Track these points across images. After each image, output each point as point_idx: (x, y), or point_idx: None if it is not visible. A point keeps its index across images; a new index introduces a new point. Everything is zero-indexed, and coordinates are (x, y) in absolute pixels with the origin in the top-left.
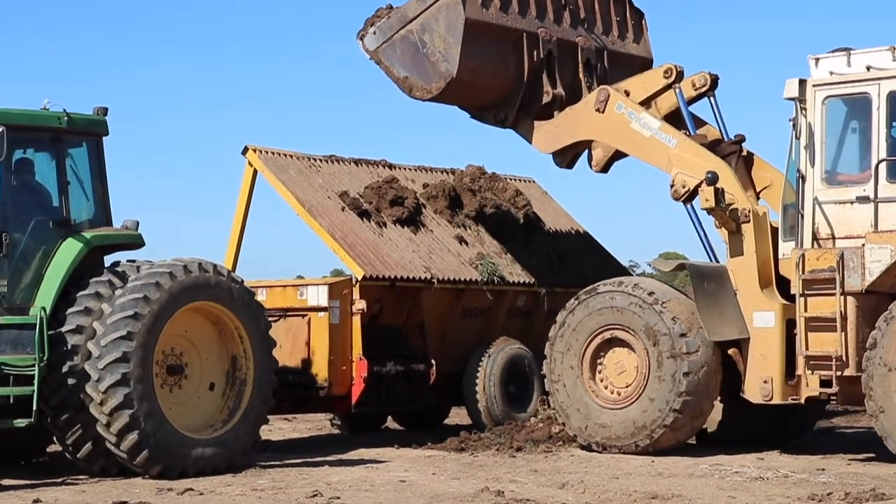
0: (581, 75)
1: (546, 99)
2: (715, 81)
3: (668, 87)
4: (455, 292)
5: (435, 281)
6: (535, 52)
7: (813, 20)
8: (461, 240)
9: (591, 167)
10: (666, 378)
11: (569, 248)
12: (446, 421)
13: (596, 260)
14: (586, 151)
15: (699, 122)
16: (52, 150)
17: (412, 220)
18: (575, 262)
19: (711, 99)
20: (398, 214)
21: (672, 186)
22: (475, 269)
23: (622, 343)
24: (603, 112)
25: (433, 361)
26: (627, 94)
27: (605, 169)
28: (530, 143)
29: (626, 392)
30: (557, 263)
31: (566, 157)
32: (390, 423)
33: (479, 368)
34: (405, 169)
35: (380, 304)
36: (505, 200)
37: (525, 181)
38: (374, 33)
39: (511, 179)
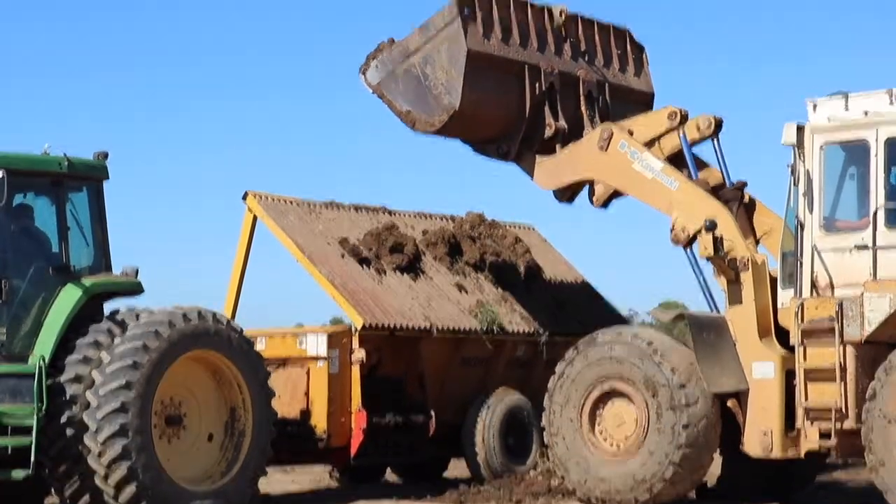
0: (583, 108)
1: (549, 132)
2: (719, 125)
3: (671, 129)
4: (454, 341)
5: (434, 330)
6: (537, 85)
7: (814, 62)
8: (461, 287)
9: (591, 202)
10: (665, 430)
11: (568, 296)
12: (445, 473)
13: (595, 308)
14: (587, 186)
15: (702, 165)
16: (53, 195)
17: (412, 268)
18: (574, 310)
19: (715, 142)
20: (398, 261)
21: (672, 230)
22: (475, 318)
23: (621, 394)
24: (606, 151)
25: (432, 412)
26: (631, 133)
27: (605, 205)
28: (532, 178)
29: (625, 445)
30: (557, 312)
31: (567, 192)
32: (389, 474)
33: (479, 420)
34: (405, 215)
35: (379, 353)
36: (505, 248)
37: (525, 228)
38: (377, 67)
39: (511, 226)
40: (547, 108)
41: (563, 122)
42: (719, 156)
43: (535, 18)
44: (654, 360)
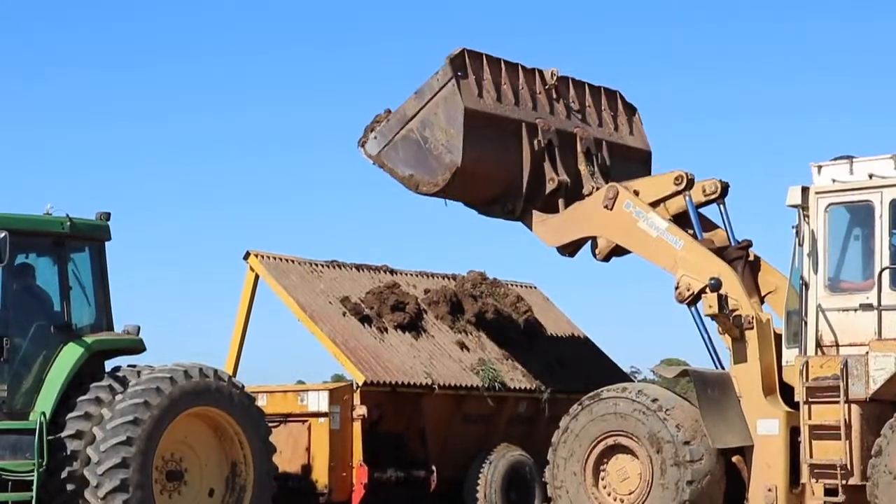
0: (582, 165)
1: (551, 186)
2: (725, 189)
3: (677, 193)
4: (456, 398)
5: (436, 387)
6: (535, 142)
7: (817, 127)
8: (462, 345)
9: (594, 256)
10: (669, 486)
11: (570, 354)
12: None
13: (597, 366)
14: (589, 241)
15: (708, 226)
16: (55, 255)
17: (413, 326)
18: (576, 368)
19: (721, 207)
20: (399, 320)
21: (677, 289)
22: (476, 375)
23: (625, 450)
24: (611, 210)
25: (434, 468)
26: (637, 193)
27: (607, 258)
28: (537, 235)
29: (629, 500)
30: (559, 369)
31: (569, 247)
32: None
33: (481, 475)
34: (406, 274)
35: (380, 409)
36: (506, 306)
37: (526, 287)
38: (375, 138)
39: (512, 285)
40: (547, 164)
41: (564, 176)
42: (725, 219)
43: (527, 80)
44: (658, 417)
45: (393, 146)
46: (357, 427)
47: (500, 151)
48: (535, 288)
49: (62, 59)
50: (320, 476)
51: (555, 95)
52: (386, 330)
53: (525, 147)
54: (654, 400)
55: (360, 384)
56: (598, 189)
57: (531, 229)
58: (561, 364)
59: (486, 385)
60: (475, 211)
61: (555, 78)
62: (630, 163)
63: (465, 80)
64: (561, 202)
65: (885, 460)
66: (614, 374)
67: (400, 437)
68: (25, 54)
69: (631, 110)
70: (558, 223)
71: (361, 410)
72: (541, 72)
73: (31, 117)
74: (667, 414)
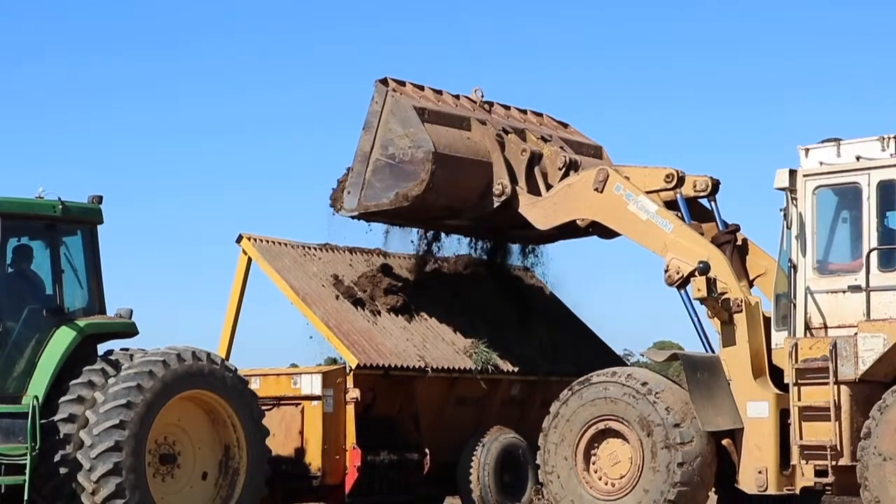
0: (545, 147)
1: (524, 157)
2: (716, 186)
3: (667, 190)
4: (449, 381)
5: (429, 370)
6: (489, 131)
7: (803, 110)
8: (455, 328)
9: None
10: (660, 469)
11: (563, 337)
12: None
13: (590, 349)
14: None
15: (697, 216)
16: (47, 239)
17: (406, 309)
18: (569, 351)
19: (712, 203)
20: (392, 303)
21: (666, 272)
22: (469, 358)
23: (616, 434)
24: (601, 192)
25: (427, 451)
26: (627, 179)
27: (589, 227)
28: (528, 218)
29: (620, 483)
30: (552, 353)
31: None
32: None
33: (474, 458)
34: (399, 257)
35: (373, 392)
36: (500, 289)
37: (520, 270)
38: (349, 192)
39: (506, 268)
40: (510, 140)
41: (535, 147)
42: (716, 214)
43: (456, 99)
44: (648, 400)
45: (368, 186)
46: (350, 410)
47: (464, 140)
48: (529, 270)
49: (51, 42)
50: (313, 459)
51: (488, 109)
52: (379, 313)
53: (484, 135)
54: (644, 383)
55: (354, 367)
56: (574, 164)
57: (523, 213)
58: (554, 347)
59: (480, 368)
60: (473, 221)
61: (481, 94)
62: (586, 157)
63: (403, 88)
64: (539, 177)
65: (875, 442)
66: (607, 358)
67: (393, 420)
68: (14, 38)
69: (563, 125)
70: (549, 205)
71: (354, 393)
72: (464, 95)
73: (20, 101)
74: (657, 397)
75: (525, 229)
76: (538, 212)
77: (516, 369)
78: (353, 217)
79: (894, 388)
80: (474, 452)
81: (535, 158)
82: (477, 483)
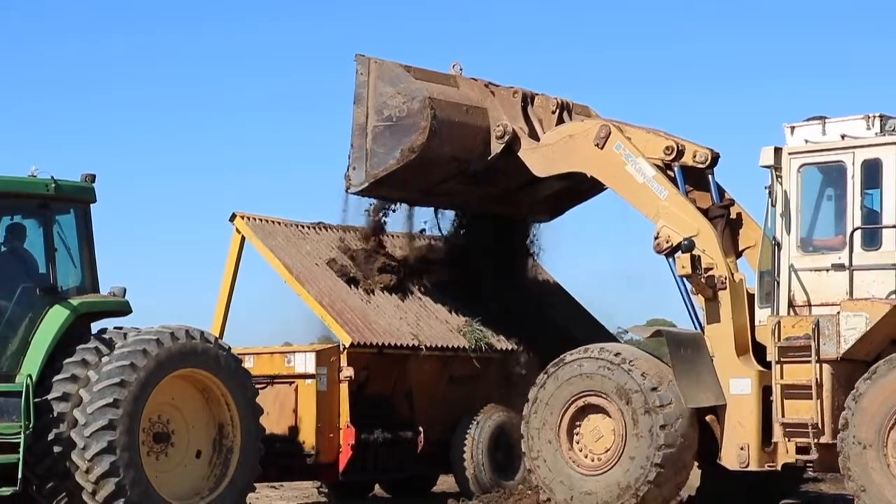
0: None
1: (517, 97)
2: (715, 159)
3: (665, 161)
4: (443, 359)
5: (423, 348)
6: (478, 83)
7: (789, 88)
8: (449, 307)
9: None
10: (643, 434)
11: (557, 315)
12: (434, 489)
13: (584, 327)
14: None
15: (693, 189)
16: (40, 217)
17: (400, 287)
18: (563, 329)
19: (710, 176)
20: (386, 281)
21: (656, 238)
22: (463, 337)
23: (596, 409)
24: (602, 148)
25: (421, 429)
26: (629, 139)
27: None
28: (528, 164)
29: (605, 456)
30: (546, 331)
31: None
32: (378, 490)
33: (467, 436)
34: (393, 236)
35: (367, 371)
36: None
37: (517, 248)
38: (354, 168)
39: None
40: (499, 89)
41: (525, 89)
42: (712, 187)
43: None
44: (623, 368)
45: (372, 154)
46: (344, 388)
47: (455, 91)
48: (527, 250)
49: (43, 22)
50: (307, 437)
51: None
52: (373, 291)
53: (472, 87)
54: (617, 353)
55: (347, 346)
56: (566, 106)
57: (523, 158)
58: (548, 326)
59: (473, 346)
60: (482, 179)
61: (460, 69)
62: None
63: (385, 60)
64: (535, 121)
65: (853, 431)
66: (601, 336)
67: (387, 399)
68: (4, 18)
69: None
70: (549, 152)
71: (348, 372)
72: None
73: (13, 81)
74: (631, 365)
75: (532, 186)
76: (537, 157)
77: (509, 347)
78: (364, 193)
79: (866, 376)
80: (468, 431)
81: (527, 99)
82: (471, 461)
